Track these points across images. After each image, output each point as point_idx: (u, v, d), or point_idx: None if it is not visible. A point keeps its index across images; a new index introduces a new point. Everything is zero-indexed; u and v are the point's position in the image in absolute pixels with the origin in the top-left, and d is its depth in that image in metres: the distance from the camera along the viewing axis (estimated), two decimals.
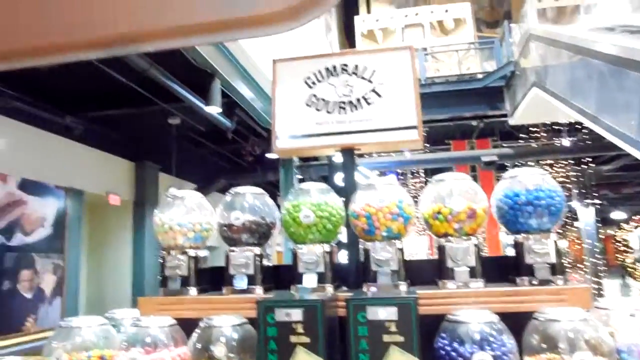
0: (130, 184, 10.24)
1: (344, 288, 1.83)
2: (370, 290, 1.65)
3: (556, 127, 11.05)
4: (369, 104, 2.03)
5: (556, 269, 1.59)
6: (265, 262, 1.84)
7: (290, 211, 1.77)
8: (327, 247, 1.74)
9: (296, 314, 1.39)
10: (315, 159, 9.92)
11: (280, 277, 1.88)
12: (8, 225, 7.09)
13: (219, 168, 11.95)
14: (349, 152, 2.05)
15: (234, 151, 11.05)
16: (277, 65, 2.14)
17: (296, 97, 2.09)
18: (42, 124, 7.76)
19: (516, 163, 10.50)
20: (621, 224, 18.35)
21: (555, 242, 1.61)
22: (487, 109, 9.61)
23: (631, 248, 17.25)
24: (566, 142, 10.80)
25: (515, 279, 1.63)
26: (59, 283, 8.04)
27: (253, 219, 1.81)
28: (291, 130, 2.07)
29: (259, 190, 1.90)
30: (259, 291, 1.75)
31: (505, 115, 9.34)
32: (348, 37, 14.41)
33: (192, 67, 6.42)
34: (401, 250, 1.69)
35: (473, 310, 1.45)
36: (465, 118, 10.19)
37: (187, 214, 1.85)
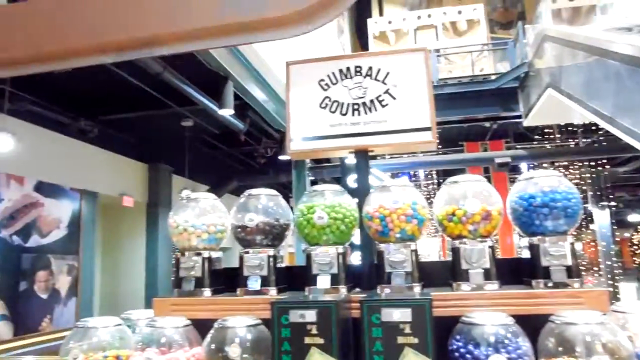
0: (144, 186, 10.33)
1: (358, 290, 1.83)
2: (384, 291, 1.65)
3: (571, 129, 10.93)
4: (383, 105, 2.03)
5: (572, 272, 1.57)
6: (279, 264, 1.85)
7: (304, 213, 1.77)
8: (340, 249, 1.74)
9: (310, 315, 1.39)
10: (328, 160, 9.92)
11: (294, 278, 1.89)
12: (25, 227, 7.19)
13: (231, 170, 12.01)
14: (362, 154, 2.05)
15: (246, 153, 11.11)
16: (290, 68, 2.15)
17: (310, 99, 2.10)
18: (57, 127, 7.88)
19: (530, 165, 10.42)
20: (638, 226, 18.08)
21: (571, 244, 1.60)
22: (500, 110, 9.53)
23: None
24: (581, 143, 10.68)
25: (531, 281, 1.62)
26: (74, 284, 8.14)
27: (267, 221, 1.82)
28: (305, 132, 2.08)
29: (273, 191, 1.91)
30: (272, 292, 1.75)
31: (519, 117, 9.26)
32: (360, 39, 14.41)
33: (205, 70, 6.46)
34: (415, 251, 1.69)
35: (488, 313, 1.44)
36: (479, 119, 10.12)
37: (202, 215, 1.86)
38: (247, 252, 1.80)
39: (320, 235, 1.76)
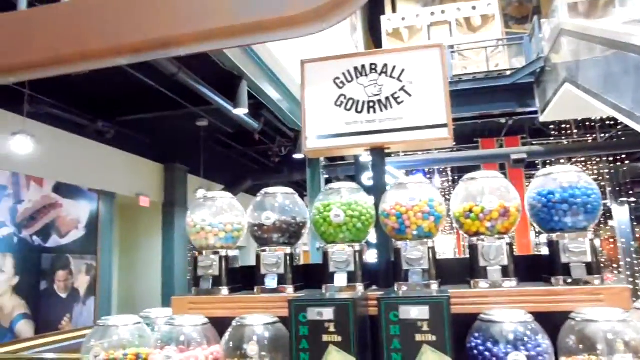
0: (160, 186, 10.44)
1: (374, 287, 1.83)
2: (401, 289, 1.64)
3: (588, 124, 10.77)
4: (398, 103, 2.02)
5: (592, 269, 1.55)
6: (296, 262, 1.85)
7: (321, 211, 1.78)
8: (357, 247, 1.74)
9: (328, 313, 1.39)
10: (342, 158, 9.91)
11: (310, 276, 1.89)
12: (44, 228, 7.32)
13: (246, 169, 12.07)
14: (378, 152, 2.05)
15: (260, 152, 11.16)
16: (305, 66, 2.15)
17: (325, 97, 2.10)
18: (75, 128, 7.99)
19: (547, 161, 10.30)
20: None
21: (591, 240, 1.57)
22: (516, 106, 9.42)
23: None
24: (599, 138, 10.52)
25: (550, 278, 1.60)
26: (93, 283, 8.26)
27: (284, 219, 1.83)
28: (321, 131, 2.08)
29: (290, 190, 1.92)
30: (289, 290, 1.76)
31: (535, 112, 9.15)
32: (373, 36, 14.36)
33: (220, 70, 6.50)
34: (432, 249, 1.68)
35: (507, 310, 1.43)
36: (494, 116, 10.02)
37: (219, 214, 1.88)
38: (264, 251, 1.81)
39: (336, 233, 1.76)
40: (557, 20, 7.53)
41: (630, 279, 11.29)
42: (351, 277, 1.71)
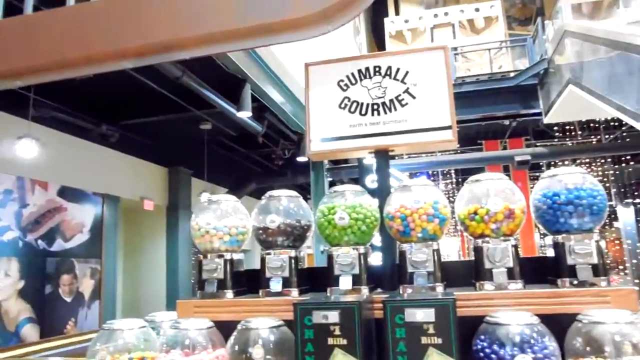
0: (164, 189, 10.46)
1: (379, 290, 1.82)
2: (406, 292, 1.64)
3: (593, 125, 10.74)
4: (402, 105, 2.02)
5: (599, 270, 1.54)
6: (300, 265, 1.85)
7: (325, 213, 1.77)
8: (362, 249, 1.74)
9: (333, 316, 1.39)
10: (346, 161, 9.91)
11: (315, 279, 1.89)
12: (49, 231, 7.34)
13: (249, 172, 12.08)
14: (382, 154, 2.04)
15: (264, 155, 11.16)
16: (309, 69, 2.15)
17: (329, 99, 2.10)
18: (79, 132, 8.02)
19: (551, 162, 10.27)
20: None
21: (597, 242, 1.57)
22: (520, 107, 9.42)
23: None
24: (603, 139, 10.49)
25: (556, 280, 1.59)
26: (97, 287, 8.28)
27: (288, 222, 1.83)
28: (325, 133, 2.08)
29: (294, 193, 1.92)
30: (294, 294, 1.76)
31: (538, 114, 9.13)
32: (376, 38, 14.38)
33: (223, 73, 6.51)
34: (437, 251, 1.68)
35: (513, 312, 1.42)
36: (498, 117, 10.01)
37: (223, 217, 1.88)
38: (269, 254, 1.81)
39: (341, 236, 1.76)
40: (561, 22, 7.52)
41: (637, 281, 11.23)
42: (356, 280, 1.71)
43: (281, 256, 1.79)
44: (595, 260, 1.55)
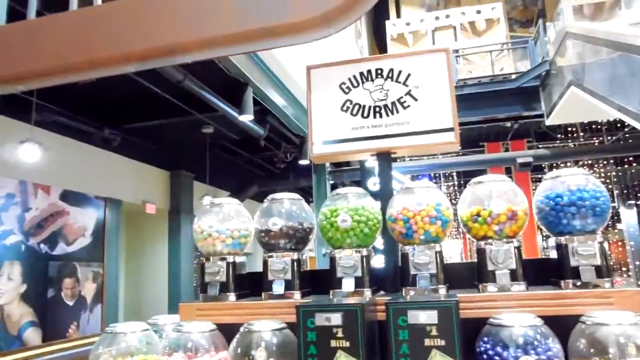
0: (166, 193, 10.47)
1: (382, 292, 1.82)
2: (409, 294, 1.64)
3: (595, 127, 10.73)
4: (404, 107, 2.02)
5: (602, 272, 1.54)
6: (303, 268, 1.85)
7: (328, 216, 1.77)
8: (364, 252, 1.74)
9: (336, 319, 1.39)
10: (348, 164, 9.91)
11: (317, 282, 1.89)
12: (51, 235, 7.35)
13: (251, 175, 12.09)
14: (385, 156, 2.05)
15: (266, 158, 11.18)
16: (311, 72, 2.16)
17: (331, 102, 2.10)
18: (82, 136, 8.04)
19: (553, 164, 10.25)
20: None
21: (600, 243, 1.56)
22: (522, 109, 9.41)
23: None
24: (606, 141, 10.47)
25: (559, 282, 1.59)
26: (99, 290, 8.27)
27: (291, 225, 1.83)
28: (327, 136, 2.08)
29: (296, 195, 1.92)
30: (297, 296, 1.75)
31: (540, 116, 9.12)
32: (378, 41, 14.39)
33: (225, 77, 6.53)
34: (440, 253, 1.68)
35: (516, 314, 1.42)
36: (499, 119, 10.00)
37: (225, 220, 1.88)
38: (271, 256, 1.81)
39: (343, 238, 1.76)
40: (562, 24, 7.52)
41: None
42: (358, 283, 1.71)
43: (284, 259, 1.79)
44: (598, 261, 1.54)
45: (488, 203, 1.65)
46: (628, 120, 4.88)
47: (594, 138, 11.34)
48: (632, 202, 12.16)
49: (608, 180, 11.98)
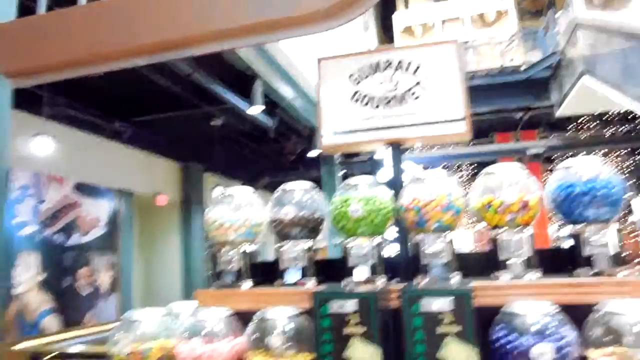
0: (177, 184, 10.55)
1: (395, 281, 1.83)
2: (422, 282, 1.65)
3: (607, 117, 10.62)
4: (415, 98, 2.02)
5: (616, 260, 1.54)
6: (315, 256, 1.87)
7: (339, 205, 1.79)
8: (376, 241, 1.75)
9: (351, 306, 1.41)
10: (357, 155, 9.91)
11: (329, 270, 1.91)
12: (66, 226, 7.45)
13: (261, 167, 12.14)
14: (396, 147, 2.05)
15: (275, 150, 11.20)
16: (321, 64, 2.17)
17: (341, 94, 2.11)
18: (93, 129, 8.11)
19: (565, 155, 10.18)
20: None
21: (615, 232, 1.56)
22: (532, 100, 9.34)
23: None
24: (618, 131, 10.36)
25: (573, 271, 1.59)
26: (114, 280, 8.39)
27: (303, 214, 1.84)
28: (337, 127, 2.09)
29: (309, 185, 1.93)
30: (310, 284, 1.78)
31: (551, 106, 9.05)
32: (386, 34, 14.31)
33: (234, 70, 6.55)
34: (452, 242, 1.68)
35: (531, 301, 1.43)
36: (509, 110, 9.93)
37: (238, 210, 1.90)
38: (284, 245, 1.83)
39: (355, 227, 1.77)
40: (573, 14, 7.44)
41: None
42: (371, 271, 1.72)
43: (296, 247, 1.81)
44: (612, 250, 1.55)
45: (500, 192, 1.65)
46: None
47: (606, 128, 11.24)
48: None
49: (621, 171, 11.87)
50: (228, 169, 11.35)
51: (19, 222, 6.68)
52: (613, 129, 11.15)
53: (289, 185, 1.93)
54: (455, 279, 1.63)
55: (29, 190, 6.89)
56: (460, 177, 13.60)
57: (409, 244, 1.81)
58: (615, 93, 5.46)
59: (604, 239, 1.55)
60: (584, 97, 7.29)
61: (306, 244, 1.83)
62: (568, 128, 11.25)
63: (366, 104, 2.08)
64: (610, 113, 10.53)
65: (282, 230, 1.87)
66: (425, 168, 9.97)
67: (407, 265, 1.85)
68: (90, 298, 7.80)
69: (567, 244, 1.66)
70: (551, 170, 1.79)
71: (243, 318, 1.67)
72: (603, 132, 11.34)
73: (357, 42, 10.96)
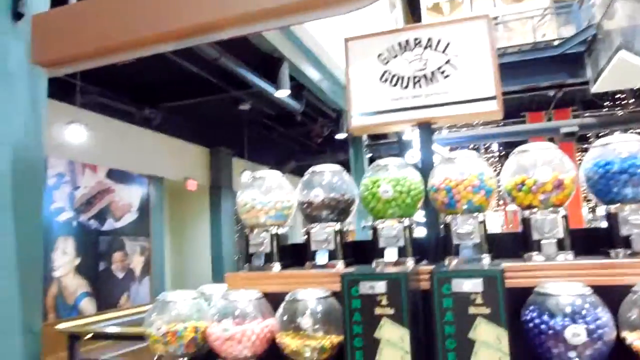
0: (206, 169, 10.69)
1: (424, 262, 1.83)
2: (452, 263, 1.64)
3: None
4: (445, 77, 1.98)
5: None
6: (345, 238, 1.87)
7: (369, 187, 1.78)
8: (406, 222, 1.74)
9: (380, 287, 1.41)
10: (384, 137, 9.83)
11: (359, 252, 1.91)
12: (100, 212, 7.68)
13: (289, 150, 12.17)
14: (425, 127, 2.02)
15: (303, 133, 11.20)
16: (349, 44, 2.14)
17: (370, 74, 2.08)
18: (124, 116, 8.27)
19: (600, 133, 9.87)
20: None
21: None
22: (566, 77, 9.03)
23: None
24: None
25: (608, 251, 1.55)
26: (147, 263, 8.63)
27: (332, 196, 1.84)
28: (366, 108, 2.07)
29: (338, 167, 1.93)
30: (340, 266, 1.78)
31: (586, 83, 8.75)
32: (412, 12, 14.03)
33: (260, 53, 6.54)
34: (483, 223, 1.66)
35: (563, 283, 1.40)
36: (541, 88, 9.64)
37: (268, 192, 1.91)
38: (314, 227, 1.84)
39: (385, 208, 1.76)
40: None
41: None
42: (401, 252, 1.71)
43: (326, 229, 1.82)
44: None
45: (533, 171, 1.62)
46: None
47: None
48: None
49: None
50: (256, 153, 11.42)
51: (56, 208, 6.92)
52: None
53: (318, 168, 1.94)
54: (486, 260, 1.61)
55: (65, 177, 7.11)
56: (487, 160, 13.36)
57: (440, 225, 1.80)
58: None
59: None
60: (621, 72, 7.01)
61: (336, 226, 1.83)
62: (604, 105, 10.88)
63: (395, 84, 2.05)
64: None
65: (312, 213, 1.88)
66: (453, 149, 9.83)
67: (436, 247, 1.83)
68: (124, 281, 8.06)
69: (603, 224, 1.62)
70: (585, 150, 1.73)
71: (273, 300, 1.69)
72: None
73: (384, 22, 10.79)
